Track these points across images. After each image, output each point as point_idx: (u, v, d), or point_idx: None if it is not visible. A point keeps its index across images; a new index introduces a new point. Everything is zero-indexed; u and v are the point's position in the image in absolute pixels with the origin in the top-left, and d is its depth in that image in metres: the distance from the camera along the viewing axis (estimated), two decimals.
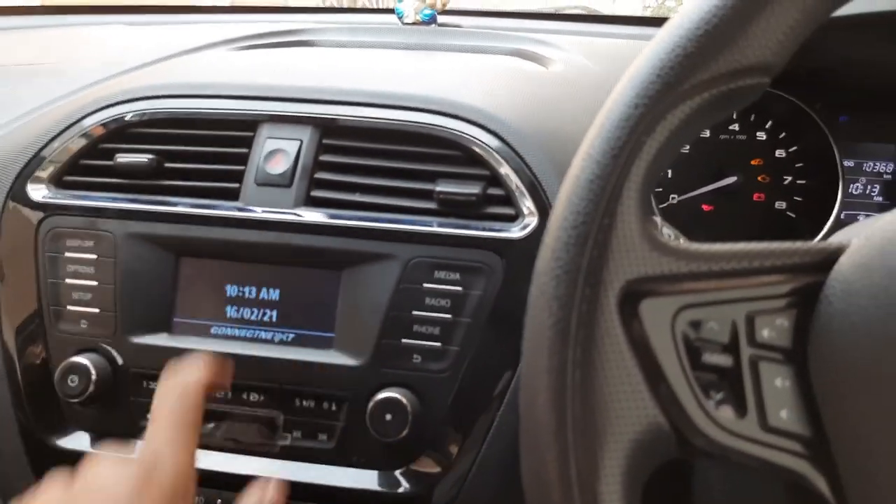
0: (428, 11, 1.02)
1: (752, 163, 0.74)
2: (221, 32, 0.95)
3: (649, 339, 0.33)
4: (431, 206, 0.60)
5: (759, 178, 0.74)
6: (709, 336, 0.33)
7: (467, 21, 1.07)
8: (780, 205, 0.74)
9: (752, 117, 0.74)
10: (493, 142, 0.60)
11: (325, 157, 0.62)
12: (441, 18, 1.04)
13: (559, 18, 1.15)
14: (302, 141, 0.62)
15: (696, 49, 0.33)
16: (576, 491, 0.32)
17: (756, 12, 0.33)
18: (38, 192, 0.64)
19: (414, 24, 1.02)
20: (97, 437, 0.61)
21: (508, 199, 0.59)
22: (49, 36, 1.11)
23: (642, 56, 0.34)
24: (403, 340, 0.58)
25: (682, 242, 0.34)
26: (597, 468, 0.32)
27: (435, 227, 0.59)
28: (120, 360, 0.60)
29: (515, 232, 0.58)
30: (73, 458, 0.61)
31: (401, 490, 0.58)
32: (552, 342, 0.33)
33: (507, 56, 0.89)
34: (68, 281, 0.61)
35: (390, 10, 1.13)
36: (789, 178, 0.73)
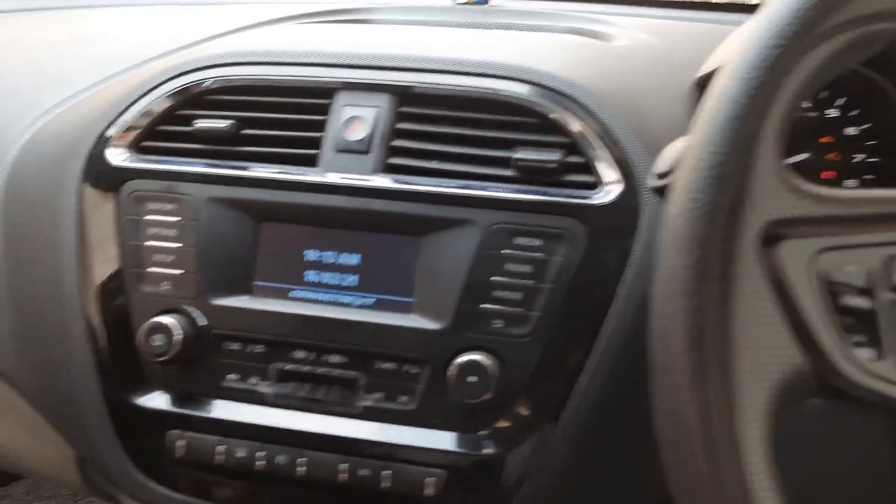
0: None
1: (822, 140, 0.74)
2: (277, 11, 0.95)
3: (789, 280, 0.33)
4: (510, 173, 0.60)
5: (828, 156, 0.74)
6: (847, 279, 0.33)
7: (519, 4, 1.07)
8: (851, 183, 0.73)
9: (823, 95, 0.73)
10: (572, 108, 0.60)
11: (402, 125, 0.62)
12: (493, 0, 1.04)
13: (617, 1, 1.14)
14: (380, 108, 0.62)
15: None
16: (716, 432, 0.32)
17: None
18: (117, 156, 0.64)
19: (466, 3, 1.02)
20: (178, 397, 0.62)
21: (588, 167, 0.59)
22: (98, 15, 1.11)
23: None
24: (484, 305, 0.58)
25: (820, 187, 0.34)
26: (737, 409, 0.32)
27: (516, 194, 0.59)
28: (201, 321, 0.60)
29: (598, 198, 0.58)
30: (153, 417, 0.61)
31: (481, 452, 0.58)
32: (690, 282, 0.33)
33: (567, 34, 0.89)
34: (149, 243, 0.62)
35: None
36: (860, 157, 0.73)
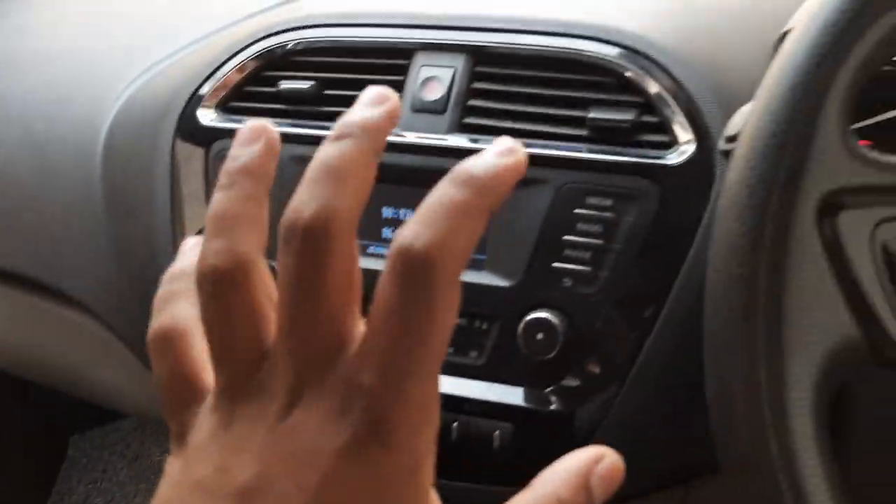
0: None
1: None
2: None
3: (847, 250, 0.33)
4: (584, 133, 0.60)
5: None
6: None
7: None
8: None
9: None
10: (647, 66, 0.59)
11: (478, 85, 0.63)
12: None
13: None
14: (456, 68, 0.63)
15: None
16: (764, 399, 0.32)
17: None
18: (206, 116, 0.68)
19: None
20: None
21: (663, 126, 0.58)
22: None
23: None
24: (554, 264, 0.59)
25: (885, 155, 0.33)
26: (786, 378, 0.32)
27: (587, 153, 0.59)
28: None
29: (672, 159, 0.57)
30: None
31: (549, 408, 0.59)
32: (744, 250, 0.33)
33: None
34: None
35: None
36: None
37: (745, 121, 0.36)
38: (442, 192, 0.21)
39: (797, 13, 0.54)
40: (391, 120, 0.24)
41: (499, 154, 0.22)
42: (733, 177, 0.34)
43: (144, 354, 0.71)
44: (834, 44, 0.32)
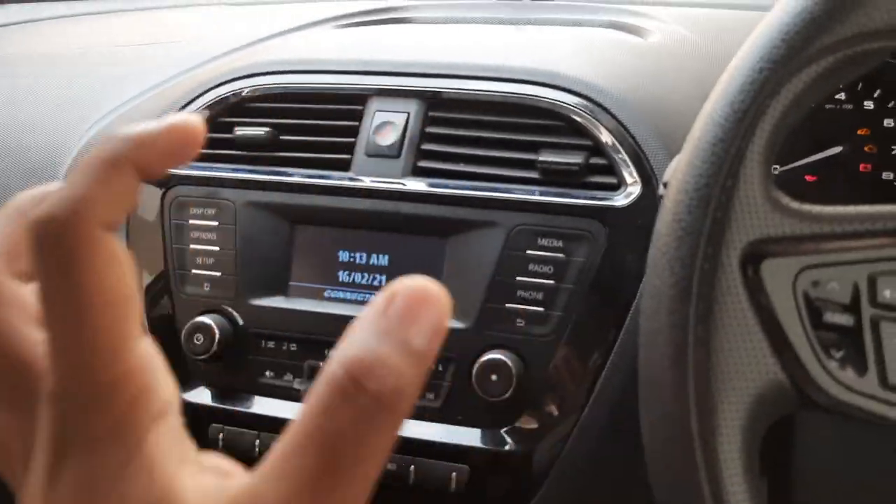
0: None
1: (859, 132, 0.72)
2: (320, 11, 0.98)
3: (771, 298, 0.34)
4: (534, 175, 0.61)
5: (865, 149, 0.72)
6: (830, 296, 0.34)
7: None
8: (888, 175, 0.72)
9: (859, 86, 0.72)
10: (595, 111, 0.61)
11: (431, 129, 0.64)
12: None
13: None
14: (409, 113, 0.64)
15: (822, 12, 0.34)
16: (697, 444, 0.33)
17: None
18: None
19: None
20: (219, 393, 0.66)
21: (611, 169, 0.60)
22: (151, 18, 1.16)
23: (767, 20, 0.35)
24: (508, 305, 0.60)
25: (804, 205, 0.34)
26: (717, 422, 0.33)
27: (538, 196, 0.60)
28: (240, 321, 0.64)
29: (619, 200, 0.59)
30: (197, 412, 0.65)
31: (504, 448, 0.60)
32: (673, 300, 0.34)
33: (604, 28, 0.89)
34: (192, 247, 0.65)
35: None
36: None
37: (674, 172, 0.37)
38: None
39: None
40: (169, 137, 0.22)
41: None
42: (662, 228, 0.35)
43: None
44: (752, 101, 0.34)
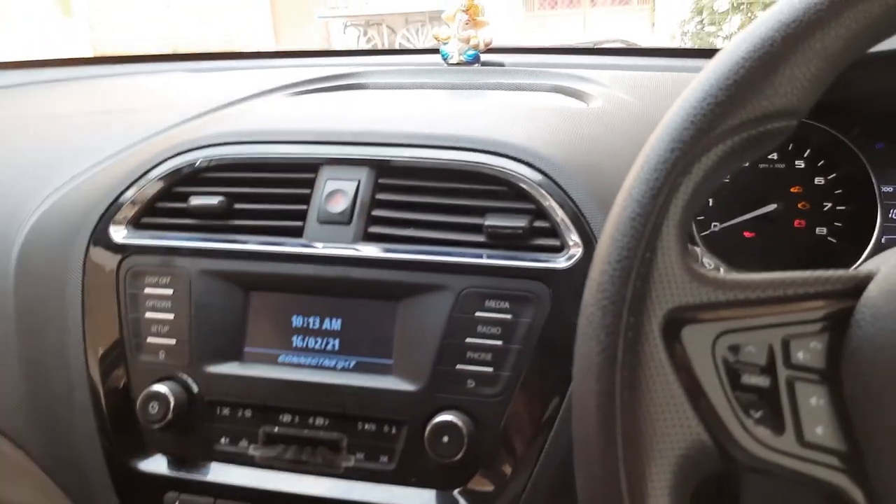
0: (471, 52, 1.06)
1: (792, 190, 0.76)
2: (275, 78, 1.01)
3: (691, 362, 0.36)
4: (481, 238, 0.63)
5: (799, 206, 0.76)
6: (747, 359, 0.36)
7: (509, 58, 1.12)
8: (821, 231, 0.76)
9: (790, 147, 0.76)
10: (537, 178, 0.63)
11: (381, 196, 0.66)
12: (484, 57, 1.08)
13: (599, 53, 1.18)
14: (360, 181, 0.67)
15: (725, 97, 0.36)
16: None
17: (781, 62, 0.36)
18: (118, 233, 0.69)
19: (458, 64, 1.07)
20: (174, 461, 0.66)
21: (554, 232, 0.62)
22: (110, 85, 1.18)
23: (677, 104, 0.38)
24: (458, 366, 0.61)
25: (721, 272, 0.37)
26: (645, 483, 0.35)
27: (484, 259, 0.62)
28: (195, 388, 0.65)
29: (561, 262, 0.61)
30: (152, 480, 0.65)
31: None
32: (600, 367, 0.36)
33: (549, 93, 0.93)
34: (147, 315, 0.66)
35: (434, 51, 1.19)
36: (829, 205, 0.76)
37: (598, 245, 0.39)
38: None
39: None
40: None
41: None
42: (588, 298, 0.37)
43: (55, 470, 0.70)
44: (664, 180, 0.36)
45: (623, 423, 0.35)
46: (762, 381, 0.36)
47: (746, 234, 0.78)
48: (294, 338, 0.65)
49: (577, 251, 0.61)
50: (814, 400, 0.36)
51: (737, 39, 0.38)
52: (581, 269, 0.60)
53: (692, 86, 0.38)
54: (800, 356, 0.36)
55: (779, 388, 0.36)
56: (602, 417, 0.35)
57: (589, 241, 0.61)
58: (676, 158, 0.36)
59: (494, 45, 1.08)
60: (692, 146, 0.36)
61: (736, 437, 0.36)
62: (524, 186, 0.63)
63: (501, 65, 1.07)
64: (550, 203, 0.62)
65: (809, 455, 0.36)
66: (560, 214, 0.62)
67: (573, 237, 0.61)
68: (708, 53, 1.26)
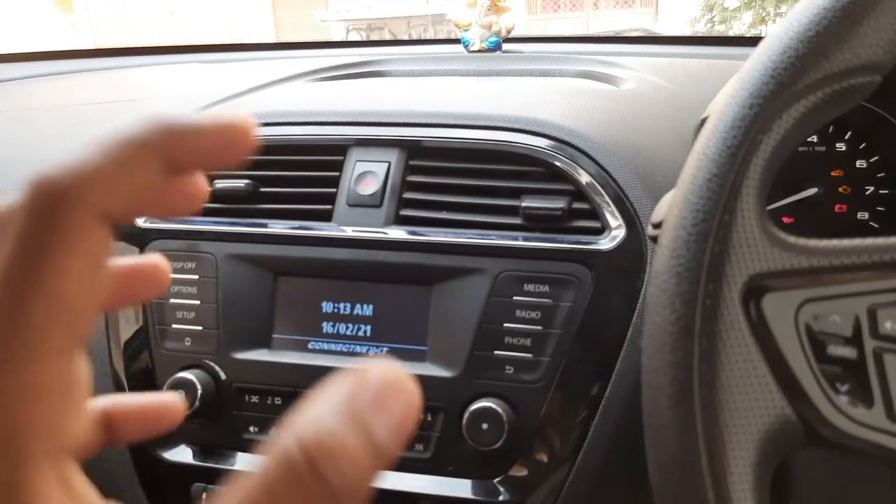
0: (493, 38, 1.04)
1: (833, 174, 0.74)
2: (293, 67, 0.99)
3: (773, 332, 0.33)
4: (517, 221, 0.61)
5: (840, 189, 0.74)
6: (832, 329, 0.34)
7: (530, 47, 1.10)
8: (863, 215, 0.73)
9: (831, 129, 0.74)
10: (576, 157, 0.61)
11: (412, 178, 0.64)
12: (505, 45, 1.06)
13: (622, 41, 1.16)
14: (390, 163, 0.64)
15: (807, 50, 0.34)
16: (707, 484, 0.32)
17: (866, 12, 0.34)
18: (143, 217, 0.67)
19: (479, 51, 1.05)
20: (201, 450, 0.63)
21: (594, 213, 0.60)
22: (123, 76, 1.16)
23: (754, 57, 0.36)
24: (496, 352, 0.59)
25: (802, 239, 0.34)
26: (727, 461, 0.33)
27: (522, 242, 0.60)
28: (223, 376, 0.62)
29: (604, 244, 0.59)
30: (178, 471, 0.63)
31: (498, 498, 0.58)
32: (675, 338, 0.34)
33: (577, 78, 0.91)
34: (172, 301, 0.64)
35: (452, 41, 1.17)
36: (871, 189, 0.73)
37: (669, 209, 0.37)
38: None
39: (713, 102, 0.57)
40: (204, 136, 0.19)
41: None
42: (660, 266, 0.35)
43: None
44: (744, 136, 0.34)
45: (701, 396, 0.33)
46: (848, 352, 0.34)
47: (786, 219, 0.76)
48: (324, 324, 0.63)
49: (619, 232, 0.59)
50: None
51: None
52: (625, 250, 0.58)
53: (770, 38, 0.36)
54: (888, 326, 0.34)
55: (866, 359, 0.34)
56: (678, 390, 0.33)
57: (632, 222, 0.59)
58: (756, 115, 0.34)
59: (510, 37, 1.06)
60: (772, 102, 0.34)
61: (822, 411, 0.33)
62: (562, 166, 0.61)
63: (522, 52, 1.05)
64: (590, 183, 0.60)
65: None
66: (601, 195, 0.60)
67: (616, 218, 0.59)
68: (733, 41, 1.24)
